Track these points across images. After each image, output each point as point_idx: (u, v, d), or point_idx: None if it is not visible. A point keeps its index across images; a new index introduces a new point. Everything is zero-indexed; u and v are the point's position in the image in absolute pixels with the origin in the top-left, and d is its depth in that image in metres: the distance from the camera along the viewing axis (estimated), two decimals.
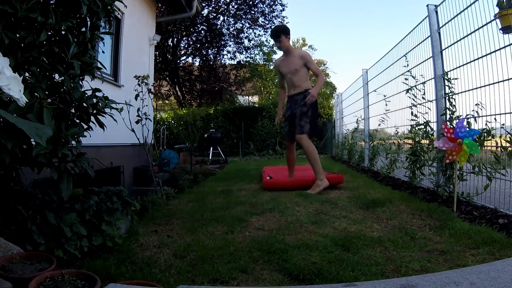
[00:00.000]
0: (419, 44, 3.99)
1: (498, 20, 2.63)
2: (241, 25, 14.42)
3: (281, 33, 4.10)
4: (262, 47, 16.11)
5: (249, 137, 11.77)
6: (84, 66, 1.79)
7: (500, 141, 2.74)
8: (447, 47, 3.38)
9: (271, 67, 18.04)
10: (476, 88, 2.96)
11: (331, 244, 2.04)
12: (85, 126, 1.84)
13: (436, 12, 3.52)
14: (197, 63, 15.34)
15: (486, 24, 2.77)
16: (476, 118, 2.93)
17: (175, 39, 14.21)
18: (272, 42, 16.99)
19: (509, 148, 2.62)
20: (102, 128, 1.88)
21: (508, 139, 2.59)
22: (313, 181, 4.00)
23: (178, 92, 15.10)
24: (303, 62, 4.06)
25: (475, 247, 1.92)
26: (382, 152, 5.52)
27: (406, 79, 4.02)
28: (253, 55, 15.68)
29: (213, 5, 13.91)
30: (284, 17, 14.48)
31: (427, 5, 3.57)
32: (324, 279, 1.59)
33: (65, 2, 1.66)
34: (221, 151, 9.92)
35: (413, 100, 3.82)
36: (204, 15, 13.67)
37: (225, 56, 15.29)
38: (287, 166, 4.52)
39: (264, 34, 14.89)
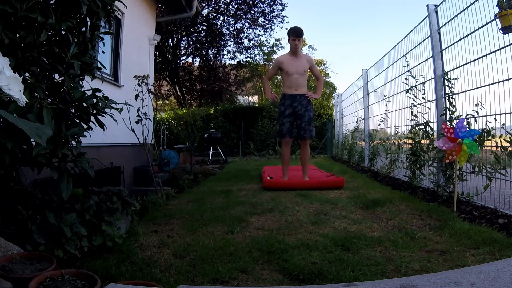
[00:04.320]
0: (419, 44, 3.99)
1: (498, 20, 2.63)
2: (241, 25, 14.42)
3: (303, 34, 4.38)
4: (262, 47, 16.12)
5: (249, 137, 11.76)
6: (84, 66, 1.79)
7: (500, 141, 2.74)
8: (447, 47, 3.38)
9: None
10: (476, 88, 2.96)
11: (331, 244, 2.04)
12: (85, 126, 1.84)
13: (436, 12, 3.52)
14: (197, 63, 15.35)
15: (486, 24, 2.77)
16: (476, 118, 2.93)
17: (175, 39, 14.20)
18: (272, 42, 17.01)
19: (509, 148, 2.62)
20: (102, 128, 1.88)
21: (508, 139, 2.59)
22: (314, 183, 4.15)
23: (178, 92, 15.09)
24: (309, 65, 4.40)
25: (475, 247, 1.92)
26: (382, 152, 5.53)
27: (406, 79, 4.02)
28: (253, 55, 15.70)
29: (213, 5, 13.90)
30: (284, 16, 14.46)
31: (427, 5, 3.57)
32: (324, 279, 1.59)
33: (65, 2, 1.66)
34: (221, 151, 9.91)
35: (413, 100, 3.82)
36: (204, 15, 13.65)
37: (225, 56, 15.31)
38: (283, 163, 4.48)
39: (264, 34, 14.90)
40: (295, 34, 4.28)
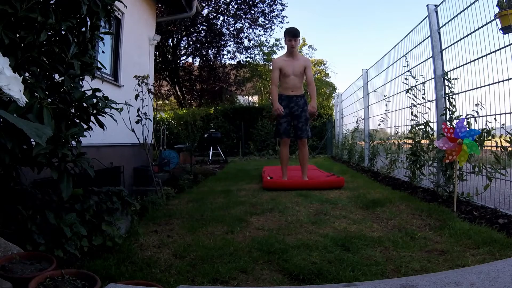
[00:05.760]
0: (419, 44, 3.99)
1: (498, 20, 2.63)
2: (241, 25, 14.42)
3: (299, 34, 4.38)
4: (262, 47, 16.12)
5: (249, 137, 11.76)
6: (84, 66, 1.79)
7: (500, 141, 2.74)
8: (447, 47, 3.38)
9: (271, 67, 17.99)
10: (476, 88, 2.96)
11: (331, 244, 2.04)
12: (85, 126, 1.84)
13: (436, 12, 3.52)
14: (197, 63, 15.35)
15: (486, 24, 2.77)
16: (476, 118, 2.93)
17: (175, 39, 14.20)
18: (272, 42, 17.01)
19: (509, 148, 2.62)
20: (102, 128, 1.88)
21: (508, 139, 2.59)
22: (314, 183, 4.16)
23: (178, 92, 15.09)
24: (305, 67, 4.38)
25: (475, 247, 1.92)
26: (382, 152, 5.53)
27: (406, 79, 4.02)
28: (253, 55, 15.72)
29: (213, 5, 13.90)
30: (284, 16, 14.47)
31: (427, 5, 3.57)
32: (324, 279, 1.59)
33: (65, 2, 1.66)
34: (221, 151, 9.91)
35: (413, 100, 3.82)
36: (204, 15, 13.65)
37: (225, 56, 15.31)
38: (282, 163, 4.49)
39: (264, 34, 14.91)
40: (291, 34, 4.28)
